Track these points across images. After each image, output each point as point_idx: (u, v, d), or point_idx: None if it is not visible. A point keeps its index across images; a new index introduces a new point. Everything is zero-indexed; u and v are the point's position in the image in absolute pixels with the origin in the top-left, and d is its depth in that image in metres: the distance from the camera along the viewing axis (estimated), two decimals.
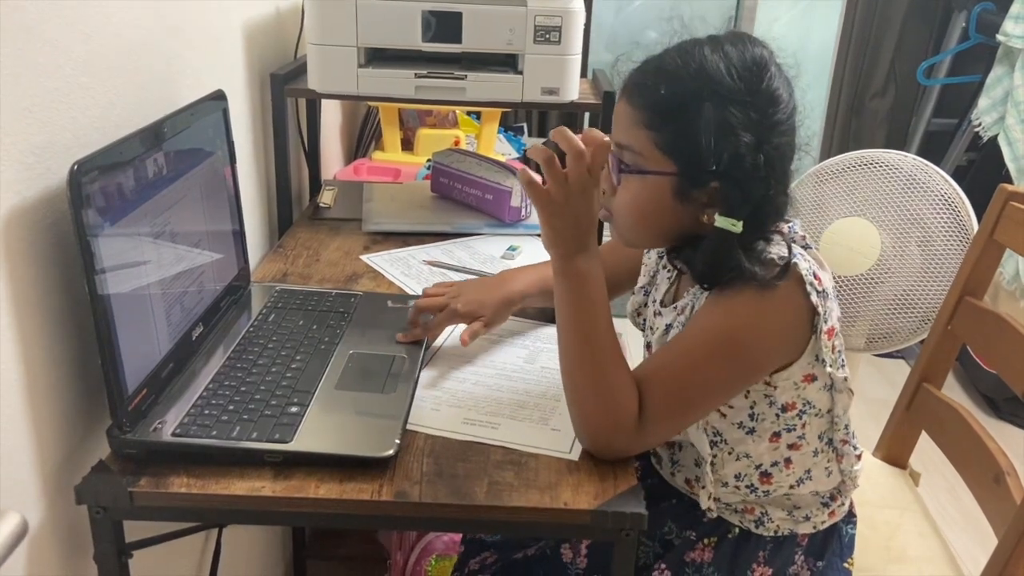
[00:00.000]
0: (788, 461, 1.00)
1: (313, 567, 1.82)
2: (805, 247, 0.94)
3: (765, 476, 1.01)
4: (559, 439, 0.96)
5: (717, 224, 0.88)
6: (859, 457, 1.05)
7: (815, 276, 0.88)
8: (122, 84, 0.97)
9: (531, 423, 0.99)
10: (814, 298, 0.87)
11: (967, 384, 2.72)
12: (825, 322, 0.89)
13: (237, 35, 1.38)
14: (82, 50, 0.88)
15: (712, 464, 1.00)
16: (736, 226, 0.87)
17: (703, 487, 1.01)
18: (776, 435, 0.98)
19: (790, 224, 0.95)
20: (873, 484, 1.39)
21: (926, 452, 1.41)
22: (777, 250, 0.89)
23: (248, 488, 0.85)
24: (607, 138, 0.87)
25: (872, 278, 1.71)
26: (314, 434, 0.90)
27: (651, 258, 1.12)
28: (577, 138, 0.86)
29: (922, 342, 1.45)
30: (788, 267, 0.87)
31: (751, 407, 0.96)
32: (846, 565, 1.11)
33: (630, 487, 0.88)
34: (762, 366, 0.91)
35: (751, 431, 0.98)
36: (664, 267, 1.09)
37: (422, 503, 0.85)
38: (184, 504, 0.85)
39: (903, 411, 1.41)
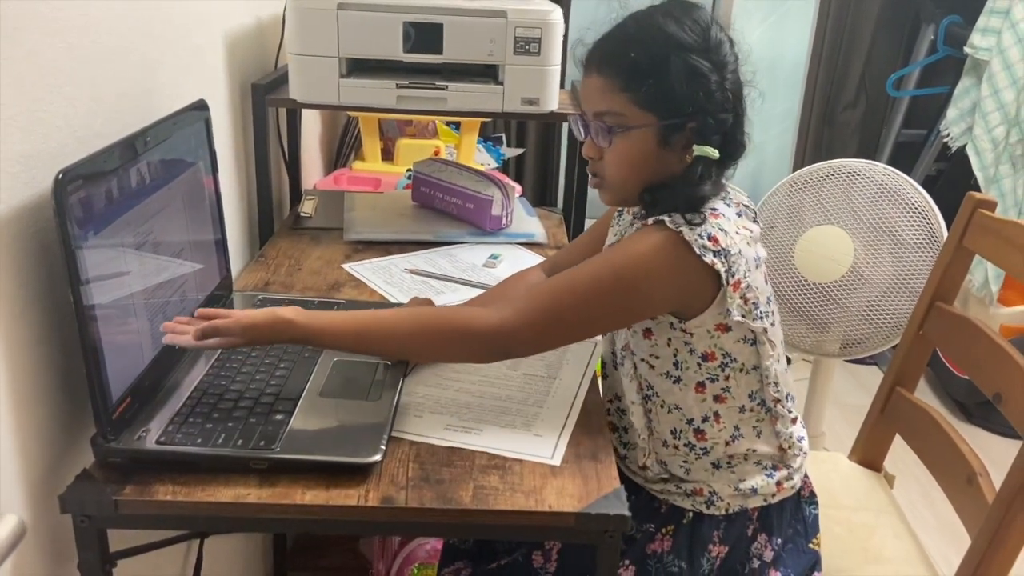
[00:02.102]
0: (717, 416, 1.06)
1: None
2: (739, 213, 1.04)
3: (699, 433, 1.07)
4: (541, 444, 0.97)
5: (696, 154, 0.99)
6: (795, 421, 1.10)
7: (710, 238, 0.95)
8: (105, 94, 0.97)
9: (513, 429, 1.00)
10: (708, 258, 0.95)
11: (939, 390, 2.77)
12: (732, 275, 0.97)
13: (218, 45, 1.38)
14: (65, 60, 0.88)
15: (648, 420, 1.09)
16: (714, 153, 0.99)
17: (641, 439, 1.09)
18: (701, 385, 1.05)
19: (727, 192, 1.06)
20: (849, 487, 1.42)
21: (900, 456, 1.44)
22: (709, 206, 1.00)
23: (233, 495, 0.85)
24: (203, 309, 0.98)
25: (845, 285, 1.75)
26: (299, 441, 0.91)
27: (624, 220, 1.17)
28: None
29: (895, 348, 1.48)
30: (699, 222, 0.96)
31: (674, 355, 1.04)
32: (811, 545, 1.14)
33: (613, 489, 0.89)
34: (647, 304, 1.00)
35: (677, 380, 1.05)
36: (634, 228, 1.14)
37: (408, 508, 0.85)
38: (169, 512, 0.85)
39: (877, 415, 1.44)
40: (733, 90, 1.00)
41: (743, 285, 0.98)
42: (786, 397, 1.08)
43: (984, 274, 2.47)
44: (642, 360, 1.07)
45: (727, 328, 1.01)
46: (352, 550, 1.85)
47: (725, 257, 0.96)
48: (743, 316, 0.99)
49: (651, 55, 0.97)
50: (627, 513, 0.86)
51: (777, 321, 1.06)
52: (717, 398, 1.05)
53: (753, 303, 1.00)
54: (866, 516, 1.34)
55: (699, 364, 1.03)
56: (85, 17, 0.92)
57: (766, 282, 1.04)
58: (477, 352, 1.01)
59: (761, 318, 1.01)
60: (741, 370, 1.04)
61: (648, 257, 0.96)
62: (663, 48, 0.97)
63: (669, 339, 1.03)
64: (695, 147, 0.99)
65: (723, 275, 0.96)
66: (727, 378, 1.04)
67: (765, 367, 1.04)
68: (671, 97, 0.97)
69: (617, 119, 1.00)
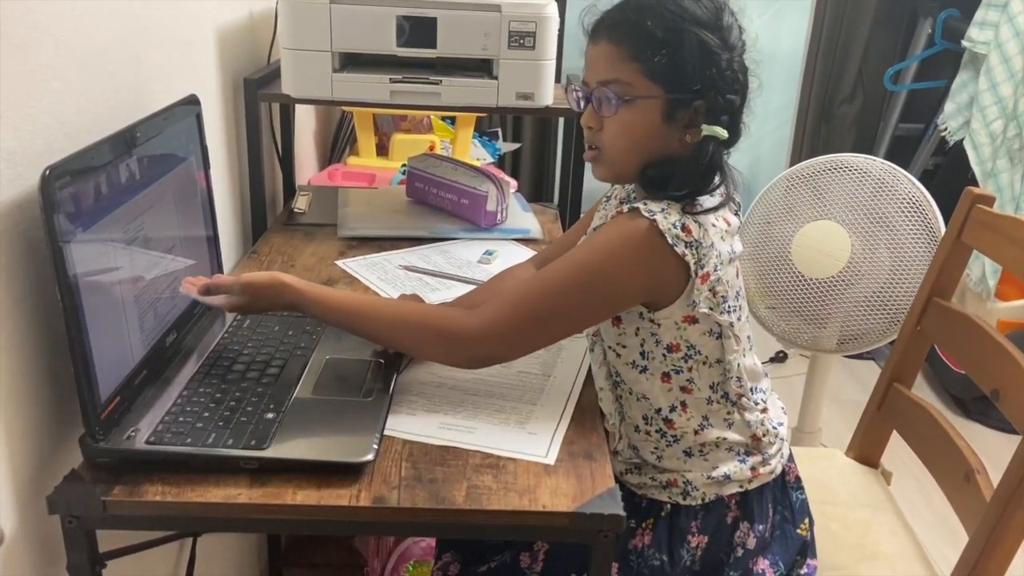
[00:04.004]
0: (684, 405, 1.06)
1: (289, 575, 1.80)
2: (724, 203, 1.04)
3: (668, 422, 1.07)
4: (535, 443, 0.96)
5: (704, 133, 0.98)
6: (765, 410, 1.09)
7: (683, 228, 0.96)
8: (94, 89, 0.96)
9: (507, 427, 0.99)
10: (680, 249, 0.95)
11: (936, 386, 2.76)
12: (701, 267, 0.96)
13: (210, 39, 1.37)
14: (53, 55, 0.87)
15: (620, 405, 1.09)
16: (723, 133, 0.98)
17: (611, 424, 1.09)
18: (666, 376, 1.05)
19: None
20: (845, 483, 1.41)
21: (897, 452, 1.44)
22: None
23: (224, 495, 0.84)
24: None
25: (842, 280, 1.74)
26: (291, 440, 0.90)
27: (611, 204, 1.16)
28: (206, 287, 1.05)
29: (892, 343, 1.47)
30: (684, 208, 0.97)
31: (641, 345, 1.04)
32: (799, 531, 1.13)
33: (607, 489, 0.88)
34: (622, 296, 0.99)
35: (644, 369, 1.05)
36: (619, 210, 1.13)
37: (401, 508, 0.85)
38: (159, 512, 0.84)
39: (874, 411, 1.43)
40: (741, 72, 1.00)
41: (712, 278, 0.98)
42: (751, 390, 1.07)
43: (981, 269, 2.46)
44: (610, 348, 1.07)
45: (694, 320, 1.01)
46: (347, 547, 1.84)
47: (696, 249, 0.96)
48: (710, 309, 0.99)
49: (665, 26, 0.97)
50: (622, 513, 0.85)
51: (744, 316, 1.06)
52: (683, 389, 1.05)
53: (722, 296, 1.00)
54: (863, 513, 1.34)
55: (664, 355, 1.03)
56: (74, 12, 0.91)
57: (738, 276, 1.04)
58: (455, 357, 1.01)
59: (729, 312, 1.01)
60: (704, 363, 1.04)
61: (620, 246, 0.96)
62: (678, 21, 0.97)
63: (637, 328, 1.03)
64: (704, 127, 0.98)
65: (692, 267, 0.96)
66: (690, 370, 1.04)
67: (728, 361, 1.04)
68: (682, 71, 0.97)
69: (624, 88, 0.99)
